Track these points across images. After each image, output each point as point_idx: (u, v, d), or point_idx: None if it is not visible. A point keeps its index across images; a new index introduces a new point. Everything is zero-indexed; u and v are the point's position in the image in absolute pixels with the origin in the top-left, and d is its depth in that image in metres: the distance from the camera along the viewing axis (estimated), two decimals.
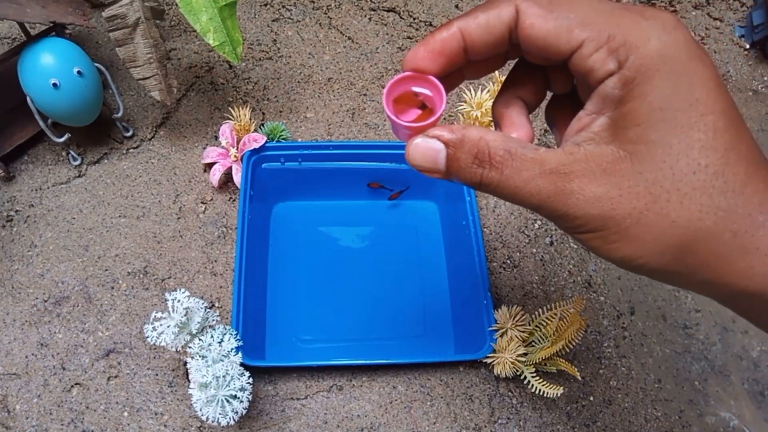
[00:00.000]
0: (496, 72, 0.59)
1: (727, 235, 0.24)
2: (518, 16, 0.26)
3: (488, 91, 0.58)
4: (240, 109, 0.58)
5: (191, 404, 0.45)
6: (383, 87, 0.67)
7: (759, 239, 0.24)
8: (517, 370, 0.48)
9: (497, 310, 0.49)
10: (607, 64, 0.24)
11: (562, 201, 0.25)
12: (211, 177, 0.57)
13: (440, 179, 0.28)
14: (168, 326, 0.42)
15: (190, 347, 0.43)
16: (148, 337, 0.42)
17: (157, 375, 0.49)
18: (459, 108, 0.61)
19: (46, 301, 0.52)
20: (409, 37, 0.71)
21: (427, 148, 0.27)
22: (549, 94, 0.32)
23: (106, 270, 0.54)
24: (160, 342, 0.42)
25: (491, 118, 0.59)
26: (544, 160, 0.25)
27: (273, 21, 0.71)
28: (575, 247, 0.59)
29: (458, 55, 0.27)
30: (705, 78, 0.24)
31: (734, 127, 0.24)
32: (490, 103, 0.57)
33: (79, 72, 0.52)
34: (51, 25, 0.52)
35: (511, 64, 0.31)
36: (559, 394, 0.46)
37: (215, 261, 0.55)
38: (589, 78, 0.25)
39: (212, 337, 0.43)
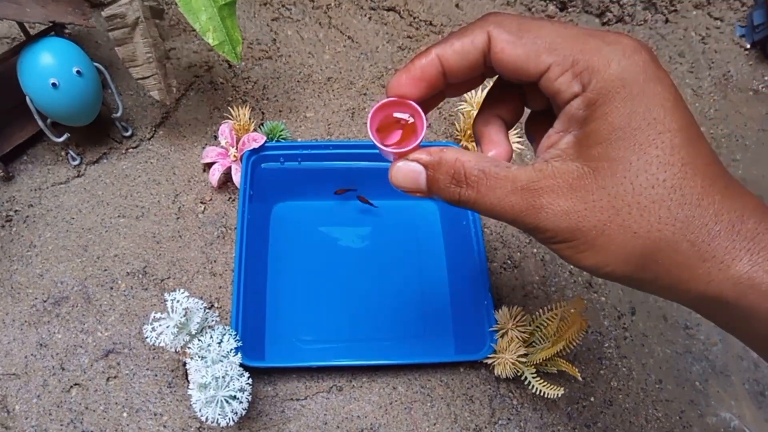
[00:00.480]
0: None
1: (685, 245, 0.25)
2: (490, 42, 0.27)
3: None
4: (239, 108, 0.58)
5: (190, 405, 0.45)
6: (383, 86, 0.67)
7: (715, 248, 0.25)
8: (518, 371, 0.48)
9: (498, 311, 0.49)
10: (572, 87, 0.26)
11: (534, 215, 0.27)
12: (211, 177, 0.57)
13: (423, 198, 0.30)
14: (167, 326, 0.41)
15: (189, 348, 0.43)
16: (147, 337, 0.42)
17: (156, 375, 0.49)
18: (459, 107, 0.60)
19: (45, 302, 0.52)
20: (409, 37, 0.71)
21: (408, 171, 0.30)
22: (528, 111, 0.33)
23: (106, 270, 0.54)
24: (160, 342, 0.42)
25: None
26: (515, 178, 0.27)
27: (273, 20, 0.71)
28: None
29: (438, 80, 0.29)
30: (663, 99, 0.25)
31: (691, 143, 0.26)
32: None
33: (78, 72, 0.52)
34: (50, 24, 0.52)
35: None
36: (559, 395, 0.46)
37: (215, 261, 0.55)
38: (556, 99, 0.27)
39: (211, 337, 0.43)
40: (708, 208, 0.25)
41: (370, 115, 0.30)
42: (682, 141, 0.25)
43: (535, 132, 0.32)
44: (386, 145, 0.30)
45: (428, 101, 0.31)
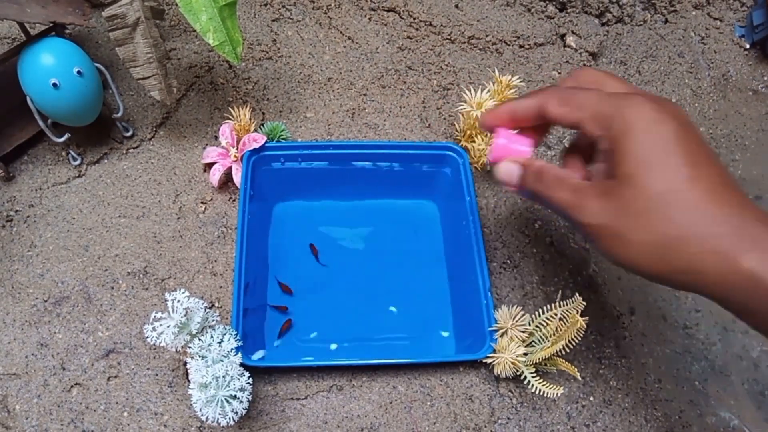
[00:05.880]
0: (497, 72, 0.59)
1: (694, 240, 0.33)
2: (546, 106, 0.40)
3: (488, 91, 0.58)
4: (240, 109, 0.58)
5: (191, 404, 0.45)
6: (383, 87, 0.67)
7: (720, 244, 0.32)
8: (517, 370, 0.48)
9: (497, 310, 0.49)
10: (598, 131, 0.37)
11: (578, 211, 0.37)
12: (211, 177, 0.57)
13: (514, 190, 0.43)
14: (168, 326, 0.42)
15: (190, 347, 0.43)
16: (147, 337, 0.42)
17: (157, 375, 0.49)
18: (459, 108, 0.60)
19: (46, 301, 0.52)
20: (409, 37, 0.71)
21: (506, 168, 0.43)
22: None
23: (106, 270, 0.54)
24: (160, 342, 0.42)
25: None
26: (571, 182, 0.38)
27: (273, 21, 0.71)
28: (575, 247, 0.59)
29: (513, 121, 0.43)
30: (665, 132, 0.34)
31: (691, 165, 0.34)
32: (489, 103, 0.57)
33: (79, 72, 0.52)
34: (51, 25, 0.52)
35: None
36: (559, 395, 0.46)
37: (215, 261, 0.55)
38: (593, 140, 0.38)
39: (212, 337, 0.43)
40: (706, 212, 0.33)
41: (496, 140, 0.44)
42: (685, 162, 0.34)
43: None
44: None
45: (532, 133, 0.44)
